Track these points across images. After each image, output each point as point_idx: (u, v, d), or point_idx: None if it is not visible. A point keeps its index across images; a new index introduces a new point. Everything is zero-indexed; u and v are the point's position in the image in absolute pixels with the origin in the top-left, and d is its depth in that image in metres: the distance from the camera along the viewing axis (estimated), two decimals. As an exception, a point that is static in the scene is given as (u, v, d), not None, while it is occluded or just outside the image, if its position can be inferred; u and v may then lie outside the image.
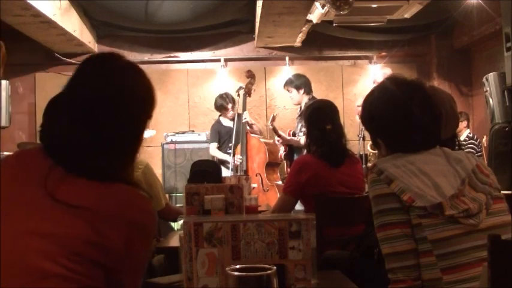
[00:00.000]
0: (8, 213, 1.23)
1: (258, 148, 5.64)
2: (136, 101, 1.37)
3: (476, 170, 1.68)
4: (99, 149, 1.29)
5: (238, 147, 5.63)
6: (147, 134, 5.01)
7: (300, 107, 5.61)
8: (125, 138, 1.34)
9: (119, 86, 1.35)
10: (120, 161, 1.33)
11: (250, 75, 5.77)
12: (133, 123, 1.36)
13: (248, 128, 5.74)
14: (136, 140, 1.37)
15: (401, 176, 1.62)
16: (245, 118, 5.67)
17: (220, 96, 6.04)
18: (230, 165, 5.51)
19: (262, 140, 5.79)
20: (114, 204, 1.25)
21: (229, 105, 5.91)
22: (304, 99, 5.58)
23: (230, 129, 5.80)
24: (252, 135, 5.74)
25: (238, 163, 5.55)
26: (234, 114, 5.91)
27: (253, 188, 5.18)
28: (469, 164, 1.68)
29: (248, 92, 5.74)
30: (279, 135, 5.59)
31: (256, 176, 5.55)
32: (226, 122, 6.02)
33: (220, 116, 6.15)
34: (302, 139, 4.92)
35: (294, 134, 5.74)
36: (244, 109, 5.70)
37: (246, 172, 5.47)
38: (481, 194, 1.64)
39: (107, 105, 1.31)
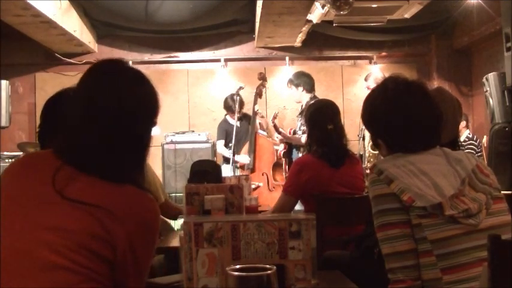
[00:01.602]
0: (17, 210, 1.28)
1: (266, 148, 5.74)
2: (142, 104, 1.41)
3: (476, 170, 1.68)
4: (107, 150, 1.34)
5: (246, 146, 5.70)
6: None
7: (301, 106, 5.66)
8: (131, 139, 1.39)
9: (126, 90, 1.40)
10: (128, 162, 1.37)
11: (262, 77, 5.89)
12: (138, 125, 1.40)
13: (258, 121, 5.88)
14: (142, 141, 1.42)
15: (401, 176, 1.62)
16: (257, 109, 5.85)
17: (231, 98, 6.08)
18: (231, 162, 5.57)
19: (271, 140, 5.87)
20: (121, 202, 1.29)
21: (236, 110, 5.98)
22: (305, 98, 5.62)
23: (237, 129, 5.89)
24: (260, 133, 5.84)
25: (246, 162, 5.64)
26: (239, 116, 6.02)
27: (259, 186, 5.28)
28: (469, 164, 1.68)
29: (259, 93, 5.88)
30: (280, 133, 5.66)
31: (263, 175, 5.62)
32: (233, 121, 6.08)
33: (226, 115, 6.20)
34: (303, 137, 4.95)
35: (294, 133, 5.79)
36: (254, 109, 5.83)
37: (252, 170, 5.54)
38: (481, 194, 1.64)
39: (114, 108, 1.36)
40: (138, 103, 1.40)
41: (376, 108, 1.80)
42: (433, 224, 1.58)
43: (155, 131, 5.20)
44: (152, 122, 1.44)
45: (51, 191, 1.27)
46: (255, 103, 5.83)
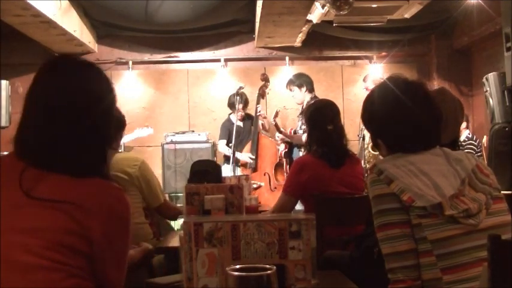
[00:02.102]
0: None
1: (268, 148, 5.76)
2: (96, 98, 1.41)
3: (476, 170, 1.68)
4: (67, 147, 1.34)
5: (248, 145, 5.70)
6: (145, 132, 5.04)
7: (302, 106, 5.66)
8: (90, 133, 1.38)
9: (79, 86, 1.40)
10: (90, 155, 1.38)
11: (265, 78, 5.90)
12: (95, 118, 1.40)
13: (261, 122, 5.88)
14: (101, 132, 1.42)
15: (401, 176, 1.62)
16: (260, 111, 5.84)
17: (235, 96, 6.07)
18: (231, 161, 5.56)
19: (273, 140, 5.87)
20: (90, 195, 1.30)
21: (240, 106, 5.97)
22: (307, 98, 5.63)
23: (240, 128, 5.88)
24: (263, 133, 5.85)
25: (249, 161, 5.62)
26: (243, 116, 6.00)
27: (261, 186, 5.28)
28: (469, 164, 1.68)
29: (262, 94, 5.89)
30: (281, 132, 5.68)
31: (265, 175, 5.63)
32: (235, 121, 6.07)
33: (230, 114, 6.19)
34: (304, 136, 4.95)
35: (295, 133, 5.79)
36: (256, 109, 5.81)
37: (255, 170, 5.55)
38: (480, 194, 1.64)
39: (70, 106, 1.36)
40: (93, 97, 1.40)
41: (375, 108, 1.80)
42: (433, 224, 1.58)
43: (149, 131, 5.18)
44: (109, 113, 1.44)
45: (19, 194, 1.27)
46: (257, 103, 5.83)
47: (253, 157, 5.63)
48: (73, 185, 1.31)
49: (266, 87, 5.88)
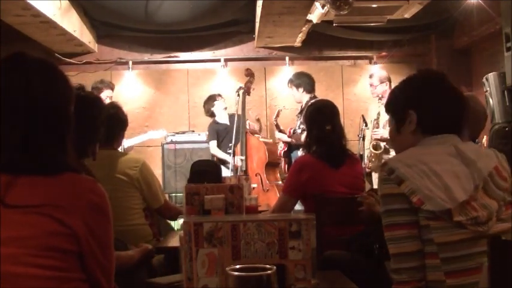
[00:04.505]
0: None
1: (257, 148, 5.63)
2: (53, 94, 1.37)
3: (493, 173, 1.65)
4: (32, 147, 1.30)
5: (238, 146, 5.62)
6: (159, 134, 5.02)
7: (301, 105, 5.66)
8: (51, 130, 1.35)
9: (33, 84, 1.34)
10: (56, 151, 1.34)
11: (249, 73, 5.70)
12: (55, 115, 1.36)
13: (249, 122, 5.75)
14: (63, 128, 1.38)
15: (413, 177, 1.60)
16: (248, 123, 5.72)
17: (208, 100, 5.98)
18: (230, 166, 5.51)
19: (261, 139, 5.79)
20: (65, 193, 1.28)
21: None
22: (305, 98, 5.63)
23: (227, 127, 5.80)
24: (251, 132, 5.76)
25: (239, 164, 5.54)
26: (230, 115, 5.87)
27: (253, 188, 5.18)
28: (485, 168, 1.65)
29: (247, 91, 5.64)
30: (281, 131, 5.67)
31: (256, 175, 5.54)
32: (222, 119, 6.03)
33: (214, 118, 6.15)
34: (303, 135, 4.93)
35: (294, 132, 5.77)
36: (243, 108, 5.61)
37: (245, 172, 5.46)
38: (493, 202, 1.61)
39: (28, 106, 1.32)
40: (50, 95, 1.36)
41: (425, 87, 1.82)
42: (441, 227, 1.57)
43: (162, 134, 5.16)
44: (68, 108, 1.40)
45: None
46: (243, 101, 5.57)
47: (243, 158, 5.53)
48: (45, 185, 1.27)
49: (251, 83, 5.65)
